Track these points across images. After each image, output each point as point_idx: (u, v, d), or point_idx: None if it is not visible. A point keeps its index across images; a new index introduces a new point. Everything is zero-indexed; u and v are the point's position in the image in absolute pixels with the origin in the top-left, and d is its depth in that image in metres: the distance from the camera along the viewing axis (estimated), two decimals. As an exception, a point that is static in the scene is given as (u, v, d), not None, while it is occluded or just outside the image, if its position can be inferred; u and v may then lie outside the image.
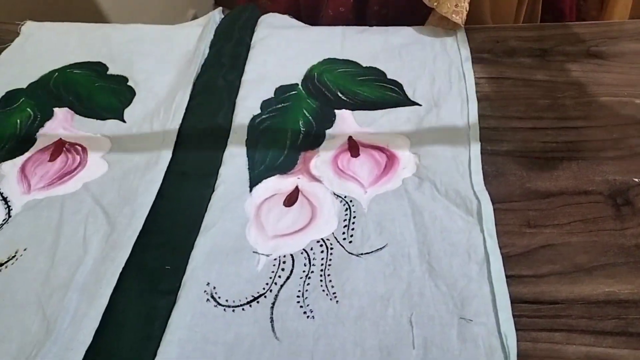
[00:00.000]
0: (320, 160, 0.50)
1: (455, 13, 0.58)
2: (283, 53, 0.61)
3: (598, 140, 0.49)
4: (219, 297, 0.40)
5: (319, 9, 0.73)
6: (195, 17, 1.73)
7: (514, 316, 0.38)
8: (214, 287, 0.40)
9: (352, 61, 0.60)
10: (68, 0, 1.16)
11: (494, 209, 0.44)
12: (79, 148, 0.52)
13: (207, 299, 0.40)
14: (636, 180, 0.46)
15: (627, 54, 0.57)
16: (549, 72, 0.56)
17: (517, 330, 0.37)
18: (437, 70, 0.57)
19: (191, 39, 0.64)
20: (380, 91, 0.56)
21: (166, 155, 0.51)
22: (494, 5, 0.62)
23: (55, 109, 0.56)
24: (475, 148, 0.49)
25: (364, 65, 0.59)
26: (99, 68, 0.62)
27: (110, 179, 0.49)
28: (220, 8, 0.69)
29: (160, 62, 0.62)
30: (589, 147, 0.49)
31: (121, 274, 0.42)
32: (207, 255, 0.42)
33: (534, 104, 0.53)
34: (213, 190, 0.47)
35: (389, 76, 0.58)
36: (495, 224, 0.43)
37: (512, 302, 0.38)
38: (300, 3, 0.74)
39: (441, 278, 0.41)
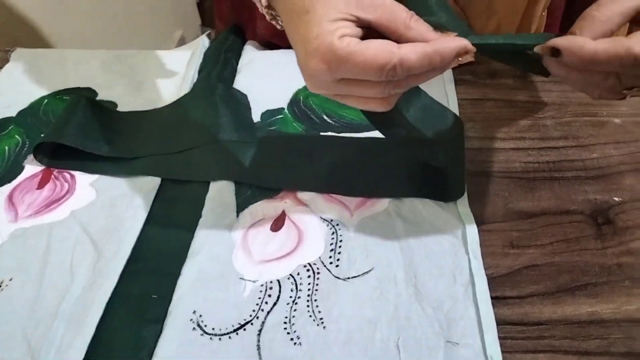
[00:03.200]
0: (307, 184, 0.50)
1: None
2: (269, 77, 0.61)
3: (578, 160, 0.50)
4: (205, 326, 0.40)
5: None
6: (182, 38, 1.75)
7: (499, 338, 0.38)
8: (200, 315, 0.40)
9: (337, 84, 0.60)
10: (54, 27, 1.17)
11: (478, 230, 0.45)
12: (67, 175, 0.53)
13: (194, 328, 0.40)
14: (616, 199, 0.47)
15: (605, 74, 0.59)
16: (529, 92, 0.57)
17: (502, 352, 0.37)
18: (421, 92, 0.58)
19: (181, 64, 0.65)
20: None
21: (155, 182, 0.51)
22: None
23: (45, 137, 0.57)
24: (460, 169, 0.50)
25: (349, 88, 0.60)
26: (88, 94, 0.62)
27: (99, 207, 0.49)
28: (209, 32, 0.70)
29: (151, 88, 0.62)
30: (570, 166, 0.50)
31: (108, 302, 0.42)
32: (194, 282, 0.43)
33: (515, 125, 0.54)
34: (200, 216, 0.48)
35: (374, 98, 0.58)
36: (480, 245, 0.44)
37: (497, 324, 0.39)
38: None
39: (427, 301, 0.41)
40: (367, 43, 0.32)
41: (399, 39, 0.33)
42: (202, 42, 0.66)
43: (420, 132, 0.45)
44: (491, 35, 0.37)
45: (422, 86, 0.58)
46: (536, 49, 0.33)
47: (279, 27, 0.40)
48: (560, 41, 0.32)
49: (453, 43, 0.32)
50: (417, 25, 0.33)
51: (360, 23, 0.33)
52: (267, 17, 0.40)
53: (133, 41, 1.47)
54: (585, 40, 0.31)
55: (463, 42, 0.32)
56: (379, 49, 0.31)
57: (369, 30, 0.34)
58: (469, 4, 0.61)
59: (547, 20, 0.65)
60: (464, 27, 0.38)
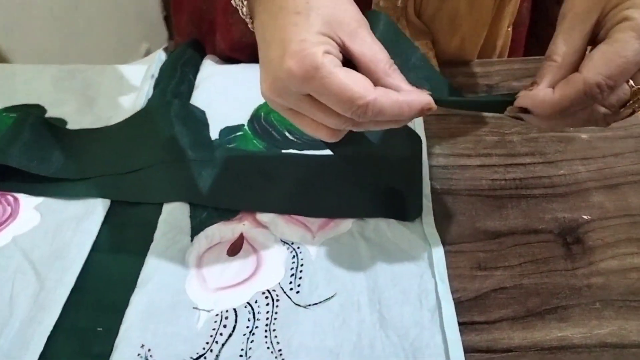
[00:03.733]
0: (267, 205, 0.48)
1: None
2: (228, 93, 0.59)
3: (546, 177, 0.49)
4: (155, 360, 0.37)
5: None
6: (148, 51, 1.72)
7: (467, 367, 0.36)
8: (149, 350, 0.37)
9: (299, 100, 0.58)
10: (11, 42, 1.13)
11: (445, 252, 0.43)
12: (10, 198, 0.49)
13: (142, 363, 0.37)
14: (585, 217, 0.46)
15: (571, 88, 0.58)
16: (496, 107, 0.56)
17: (470, 382, 0.36)
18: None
19: (136, 79, 0.62)
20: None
21: (104, 204, 0.48)
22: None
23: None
24: (425, 188, 0.48)
25: (312, 103, 0.58)
26: (36, 111, 0.59)
27: (43, 231, 0.46)
28: (166, 45, 0.67)
29: (103, 104, 0.59)
30: (538, 184, 0.49)
31: (50, 337, 0.39)
32: (143, 313, 0.40)
33: (482, 141, 0.53)
34: (152, 241, 0.45)
35: (338, 114, 0.57)
36: (447, 268, 0.42)
37: (465, 351, 0.37)
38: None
39: (392, 328, 0.39)
40: (347, 70, 0.31)
41: (375, 81, 0.32)
42: (159, 56, 0.63)
43: (371, 148, 0.43)
44: (458, 97, 0.39)
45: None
46: (507, 112, 0.35)
47: (250, 26, 0.38)
48: (524, 101, 0.33)
49: (422, 98, 0.33)
50: (395, 75, 0.33)
51: (343, 50, 0.33)
52: (242, 11, 0.38)
53: (97, 55, 1.43)
54: (545, 94, 0.33)
55: (429, 100, 0.33)
56: (357, 81, 0.31)
57: (346, 62, 0.33)
58: (433, 21, 0.59)
59: (512, 35, 0.64)
60: (443, 84, 0.39)
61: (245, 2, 0.37)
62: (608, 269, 0.42)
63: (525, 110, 0.34)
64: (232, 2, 0.38)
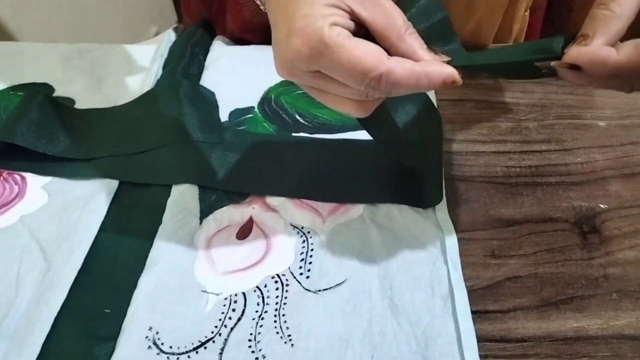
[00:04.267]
0: (277, 188, 0.47)
1: None
2: (239, 74, 0.58)
3: (562, 165, 0.48)
4: (162, 344, 0.36)
5: None
6: (157, 34, 1.70)
7: (480, 356, 0.35)
8: (157, 332, 0.37)
9: (311, 82, 0.57)
10: (24, 20, 1.12)
11: (458, 239, 0.42)
12: (18, 177, 0.49)
13: (149, 346, 0.36)
14: (602, 206, 0.45)
15: (589, 75, 0.57)
16: (511, 93, 0.55)
17: (483, 371, 0.35)
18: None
19: (145, 59, 0.61)
20: (339, 114, 0.54)
21: (112, 185, 0.47)
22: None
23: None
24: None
25: (323, 86, 0.57)
26: (45, 90, 0.58)
27: (50, 211, 0.45)
28: (175, 26, 0.66)
29: (112, 84, 0.58)
30: (553, 171, 0.48)
31: (56, 318, 0.38)
32: (151, 295, 0.39)
33: (496, 127, 0.52)
34: (160, 223, 0.44)
35: (350, 98, 0.55)
36: (459, 255, 0.41)
37: (478, 341, 0.36)
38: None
39: (404, 315, 0.38)
40: (357, 41, 0.29)
41: (388, 48, 0.30)
42: (168, 37, 0.62)
43: (404, 134, 0.42)
44: (483, 52, 0.34)
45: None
46: (553, 64, 0.31)
47: (262, 8, 0.36)
48: (580, 58, 0.29)
49: (444, 70, 0.30)
50: (411, 40, 0.31)
51: (353, 17, 0.31)
52: None
53: (106, 37, 1.42)
54: (608, 53, 0.28)
55: (452, 72, 0.30)
56: (368, 52, 0.29)
57: (358, 29, 0.31)
58: (448, 3, 0.58)
59: (529, 20, 0.63)
60: (457, 45, 0.35)
61: None
62: (625, 259, 0.41)
63: (574, 66, 0.30)
64: None
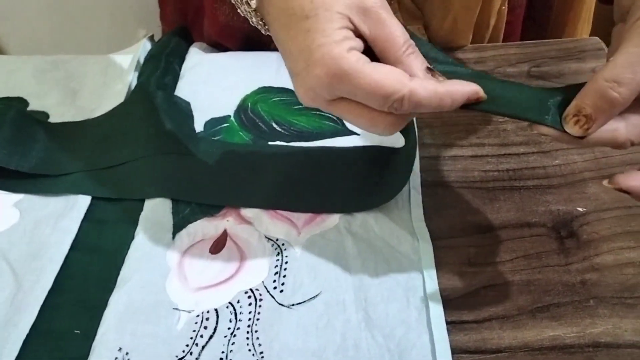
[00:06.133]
0: (252, 200, 0.46)
1: None
2: (215, 83, 0.57)
3: (540, 167, 0.47)
4: (133, 364, 0.36)
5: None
6: (146, 36, 1.69)
7: (454, 368, 0.35)
8: (127, 353, 0.36)
9: (287, 89, 0.57)
10: (9, 28, 1.11)
11: (434, 247, 0.42)
12: (-11, 195, 0.48)
13: (119, 368, 0.36)
14: (580, 209, 0.44)
15: (567, 74, 0.56)
16: (490, 95, 0.54)
17: (458, 384, 0.34)
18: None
19: (121, 70, 0.60)
20: (318, 120, 0.53)
21: (84, 201, 0.46)
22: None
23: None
24: (415, 180, 0.47)
25: (301, 93, 0.56)
26: (18, 104, 0.57)
27: (21, 230, 0.45)
28: (151, 35, 0.65)
29: (86, 96, 0.57)
30: (531, 174, 0.47)
31: (25, 339, 0.38)
32: (121, 314, 0.38)
33: (474, 130, 0.51)
34: (133, 239, 0.43)
35: (327, 104, 0.55)
36: (435, 264, 0.41)
37: (453, 352, 0.36)
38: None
39: (378, 327, 0.37)
40: (376, 65, 0.30)
41: (394, 63, 0.31)
42: (144, 46, 0.61)
43: None
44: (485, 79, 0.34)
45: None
46: (605, 183, 0.32)
47: (264, 32, 0.37)
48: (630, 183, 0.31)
49: (465, 88, 0.31)
50: (409, 61, 0.31)
51: (357, 33, 0.31)
52: (252, 20, 0.37)
53: (94, 42, 1.41)
54: None
55: (476, 89, 0.31)
56: (389, 75, 0.30)
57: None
58: (425, 1, 0.57)
59: (508, 17, 0.62)
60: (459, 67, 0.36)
61: (253, 13, 0.36)
62: (603, 264, 0.40)
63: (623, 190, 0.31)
64: (240, 11, 0.37)
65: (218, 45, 0.64)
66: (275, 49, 0.63)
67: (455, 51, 0.60)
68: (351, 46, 0.30)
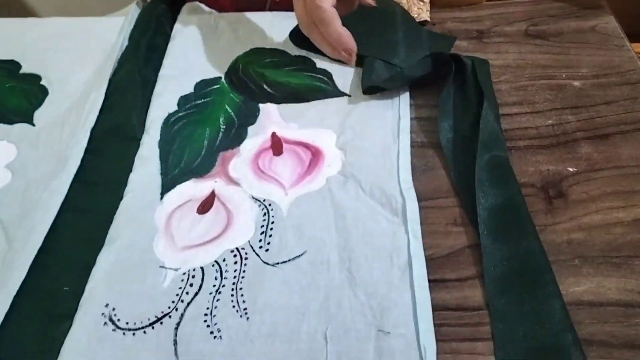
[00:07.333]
0: (240, 161, 0.46)
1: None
2: (205, 44, 0.57)
3: (532, 128, 0.47)
4: (118, 320, 0.37)
5: None
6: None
7: (435, 325, 0.35)
8: (114, 309, 0.37)
9: (280, 50, 0.56)
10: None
11: (421, 207, 0.41)
12: (-18, 157, 0.48)
13: (105, 323, 0.36)
14: (570, 169, 0.43)
15: (566, 32, 0.55)
16: (485, 55, 0.53)
17: (438, 340, 0.35)
18: (368, 56, 0.54)
19: (112, 32, 0.60)
20: (309, 81, 0.53)
21: (74, 163, 0.47)
22: None
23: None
24: (405, 141, 0.46)
25: (293, 54, 0.56)
26: (10, 66, 0.57)
27: (13, 190, 0.45)
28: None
29: (77, 59, 0.57)
30: (523, 135, 0.46)
31: (15, 297, 0.38)
32: (109, 272, 0.39)
33: (467, 91, 0.50)
34: (122, 199, 0.44)
35: (319, 65, 0.54)
36: (421, 224, 0.41)
37: (434, 310, 0.36)
38: None
39: (361, 286, 0.38)
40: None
41: None
42: (134, 8, 0.61)
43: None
44: None
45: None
46: None
47: None
48: None
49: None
50: None
51: None
52: None
53: (91, 8, 1.40)
54: None
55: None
56: (346, 32, 0.50)
57: None
58: None
59: None
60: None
61: None
62: (590, 223, 0.40)
63: None
64: None
65: (212, 5, 0.63)
66: (270, 9, 0.63)
67: (451, 12, 0.58)
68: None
